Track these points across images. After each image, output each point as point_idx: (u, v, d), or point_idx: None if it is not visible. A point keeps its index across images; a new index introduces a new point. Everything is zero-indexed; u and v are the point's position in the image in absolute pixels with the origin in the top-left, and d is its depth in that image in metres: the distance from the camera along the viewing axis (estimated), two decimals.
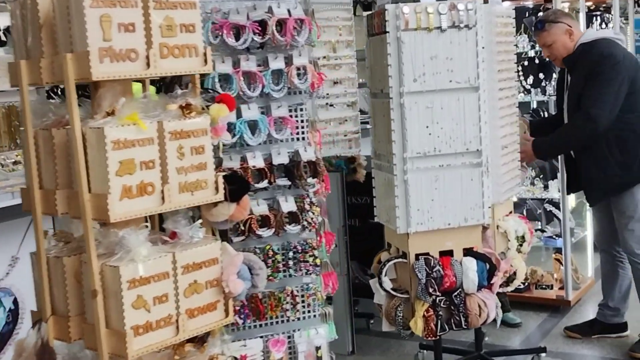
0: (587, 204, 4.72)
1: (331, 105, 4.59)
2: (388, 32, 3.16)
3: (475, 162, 3.28)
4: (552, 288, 5.01)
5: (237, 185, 2.08)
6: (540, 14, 5.04)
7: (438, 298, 3.24)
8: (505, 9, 3.81)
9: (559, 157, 4.65)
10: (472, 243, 3.36)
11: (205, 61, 2.10)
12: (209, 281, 2.09)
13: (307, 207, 2.72)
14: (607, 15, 6.57)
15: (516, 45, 5.10)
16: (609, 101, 3.85)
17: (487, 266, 3.32)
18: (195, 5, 2.04)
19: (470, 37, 3.21)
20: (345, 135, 4.62)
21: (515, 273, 3.83)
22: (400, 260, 3.34)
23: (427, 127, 3.21)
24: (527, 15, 5.18)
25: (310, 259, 2.75)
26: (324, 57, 4.54)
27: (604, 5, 6.59)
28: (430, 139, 3.21)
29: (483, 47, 3.28)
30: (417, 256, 3.27)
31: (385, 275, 3.34)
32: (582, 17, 5.20)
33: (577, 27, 4.14)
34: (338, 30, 4.58)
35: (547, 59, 4.74)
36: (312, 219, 2.71)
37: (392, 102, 3.19)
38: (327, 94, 4.56)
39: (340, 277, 4.14)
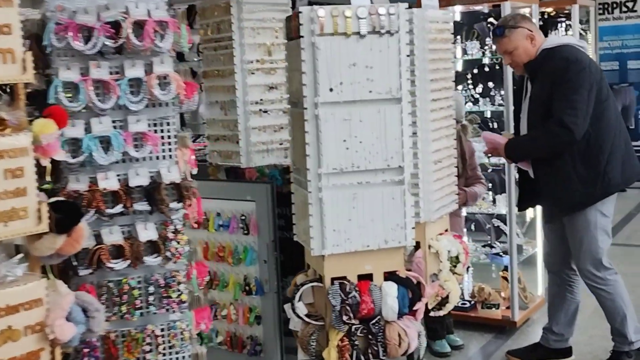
0: (541, 219, 4.47)
1: (265, 111, 4.33)
2: (302, 36, 2.90)
3: (397, 179, 3.03)
4: (498, 307, 4.77)
5: (66, 214, 1.80)
6: (492, 19, 4.81)
7: (354, 326, 2.99)
8: (440, 14, 3.57)
9: (509, 171, 4.45)
10: (394, 266, 3.10)
11: (25, 68, 1.81)
12: (29, 326, 1.81)
13: (170, 235, 2.43)
14: (568, 22, 6.38)
15: (466, 52, 4.91)
16: (582, 108, 3.63)
17: (409, 292, 3.07)
18: (11, 2, 1.75)
19: (393, 44, 2.96)
20: (280, 144, 4.37)
21: (447, 296, 3.60)
22: (316, 284, 3.09)
23: (345, 140, 2.95)
24: (478, 20, 4.96)
25: (175, 295, 2.45)
26: (258, 61, 4.29)
27: (564, 12, 6.39)
28: (347, 154, 2.95)
29: (408, 55, 3.03)
30: (332, 280, 3.02)
31: (300, 300, 3.08)
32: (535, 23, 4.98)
33: (538, 31, 3.91)
34: (274, 32, 4.32)
35: (499, 67, 4.52)
36: (177, 248, 2.42)
37: (307, 113, 2.94)
38: (261, 100, 4.32)
39: (270, 295, 3.90)
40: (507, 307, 4.75)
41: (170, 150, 2.56)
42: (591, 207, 3.76)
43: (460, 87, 4.98)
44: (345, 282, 2.99)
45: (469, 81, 4.89)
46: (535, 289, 5.10)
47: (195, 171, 2.55)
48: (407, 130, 3.03)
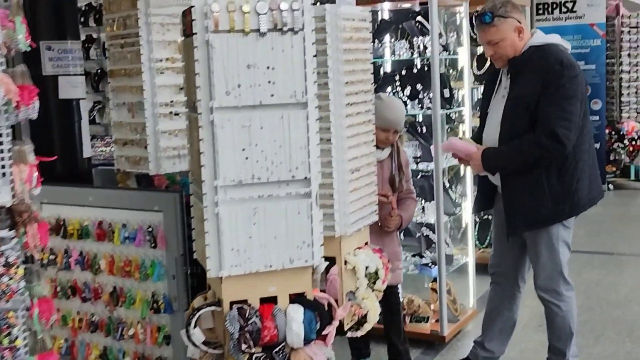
0: (493, 227, 4.14)
1: (177, 114, 4.02)
2: (195, 33, 2.60)
3: (303, 192, 2.74)
4: (427, 321, 4.55)
5: None
6: (420, 17, 4.58)
7: (255, 355, 2.70)
8: (358, 11, 3.30)
9: (437, 179, 4.22)
10: (301, 287, 2.82)
11: None
12: None
13: (1, 269, 2.09)
14: None
15: (394, 53, 4.67)
16: (575, 121, 3.41)
17: (318, 315, 2.80)
18: None
19: (297, 43, 2.67)
20: None
21: (366, 315, 3.34)
22: (214, 308, 2.79)
23: (244, 149, 2.65)
24: (407, 19, 4.72)
25: (6, 340, 2.11)
26: (168, 59, 3.98)
27: None
28: (247, 165, 2.66)
29: (315, 56, 2.75)
30: (231, 304, 2.72)
31: (196, 326, 2.78)
32: (465, 23, 4.77)
33: (526, 25, 3.63)
34: None
35: (427, 68, 4.28)
36: (9, 285, 2.08)
37: (201, 119, 2.63)
38: (172, 101, 4.00)
39: (179, 313, 3.58)
40: (437, 320, 4.53)
41: (2, 167, 2.13)
42: (562, 222, 3.59)
43: (389, 89, 4.74)
44: (244, 306, 2.70)
45: (397, 83, 4.64)
46: (466, 300, 4.90)
47: (37, 191, 2.20)
48: (314, 138, 2.75)
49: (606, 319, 4.84)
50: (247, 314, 2.68)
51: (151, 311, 3.66)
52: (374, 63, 4.89)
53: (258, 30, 2.61)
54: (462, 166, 4.59)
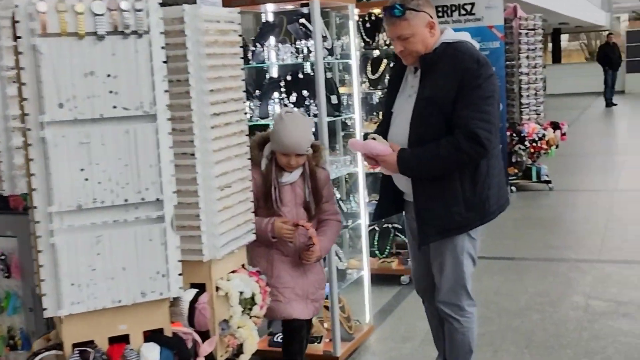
0: (408, 238, 3.81)
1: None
2: (20, 37, 2.25)
3: (155, 215, 2.43)
4: (320, 341, 4.30)
5: None
6: (303, 20, 4.31)
7: None
8: (225, 13, 2.99)
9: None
10: (157, 323, 2.50)
11: None
12: None
13: None
14: None
15: (278, 58, 4.39)
16: (494, 122, 3.21)
17: (176, 353, 2.48)
18: None
19: (142, 48, 2.35)
20: None
21: (242, 346, 3.05)
22: (55, 352, 2.44)
23: (83, 170, 2.32)
24: (292, 21, 4.45)
25: None
26: None
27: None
28: (87, 187, 2.32)
29: (165, 62, 2.43)
30: (74, 347, 2.38)
31: None
32: (352, 25, 4.55)
33: (437, 20, 3.39)
34: None
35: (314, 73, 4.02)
36: None
37: (31, 136, 2.28)
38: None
39: None
40: (330, 340, 4.28)
41: None
42: (471, 231, 3.40)
43: (275, 94, 4.46)
44: (89, 348, 2.36)
45: (282, 89, 4.37)
46: (362, 316, 4.67)
47: None
48: (167, 154, 2.43)
49: (505, 329, 4.71)
50: (92, 357, 2.34)
51: (7, 348, 3.28)
52: (260, 68, 4.64)
53: (95, 33, 2.28)
54: (367, 168, 4.35)
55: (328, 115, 4.19)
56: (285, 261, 3.58)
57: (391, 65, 5.73)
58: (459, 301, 3.46)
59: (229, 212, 2.99)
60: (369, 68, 5.82)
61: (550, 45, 35.41)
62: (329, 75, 4.46)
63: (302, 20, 4.25)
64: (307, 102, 4.26)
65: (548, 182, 9.37)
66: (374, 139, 3.36)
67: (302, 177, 3.58)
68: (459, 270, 3.42)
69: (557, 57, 34.85)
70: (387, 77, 5.71)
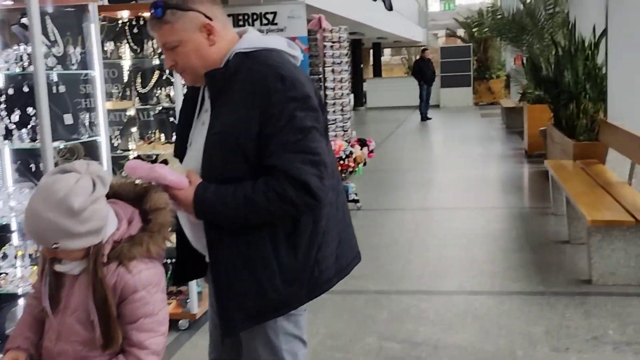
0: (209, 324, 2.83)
1: None
2: None
3: None
4: None
5: None
6: (25, 19, 3.45)
7: None
8: None
9: None
10: None
11: None
12: None
13: None
14: None
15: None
16: (324, 161, 2.36)
17: None
18: None
19: None
20: None
21: None
22: None
23: None
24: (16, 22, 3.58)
25: None
26: None
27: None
28: None
29: None
30: None
31: None
32: (93, 29, 3.75)
33: (224, 22, 2.47)
34: None
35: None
36: None
37: None
38: None
39: None
40: None
41: None
42: (290, 315, 2.52)
43: None
44: None
45: (2, 106, 3.48)
46: None
47: None
48: None
49: None
50: None
51: None
52: None
53: None
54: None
55: (59, 139, 3.36)
56: None
57: (164, 77, 4.99)
58: None
59: None
60: (139, 80, 5.02)
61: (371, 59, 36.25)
62: (63, 89, 3.61)
63: (24, 20, 3.39)
64: (33, 123, 3.40)
65: (356, 201, 8.99)
66: (165, 162, 2.40)
67: (87, 272, 2.22)
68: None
69: (378, 71, 35.69)
70: (159, 91, 4.95)
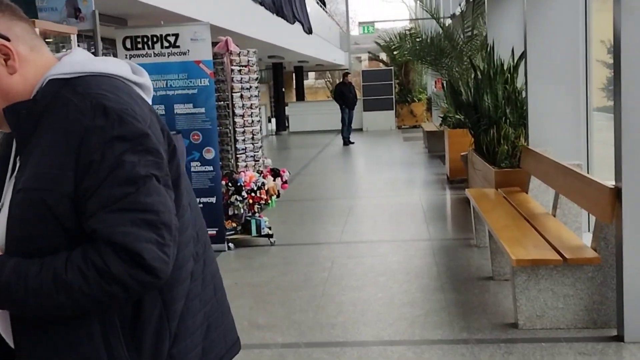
0: None
1: None
2: None
3: None
4: None
5: None
6: None
7: None
8: None
9: None
10: None
11: None
12: None
13: None
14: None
15: None
16: (168, 222, 1.72)
17: None
18: None
19: None
20: None
21: None
22: None
23: None
24: None
25: None
26: None
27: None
28: None
29: None
30: None
31: None
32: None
33: (34, 43, 1.85)
34: None
35: None
36: None
37: None
38: None
39: None
40: None
41: None
42: None
43: None
44: None
45: None
46: None
47: None
48: None
49: None
50: None
51: None
52: None
53: None
54: None
55: None
56: None
57: None
58: None
59: None
60: None
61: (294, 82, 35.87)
62: None
63: None
64: None
65: (270, 236, 8.37)
66: None
67: None
68: None
69: (300, 95, 35.32)
70: None
